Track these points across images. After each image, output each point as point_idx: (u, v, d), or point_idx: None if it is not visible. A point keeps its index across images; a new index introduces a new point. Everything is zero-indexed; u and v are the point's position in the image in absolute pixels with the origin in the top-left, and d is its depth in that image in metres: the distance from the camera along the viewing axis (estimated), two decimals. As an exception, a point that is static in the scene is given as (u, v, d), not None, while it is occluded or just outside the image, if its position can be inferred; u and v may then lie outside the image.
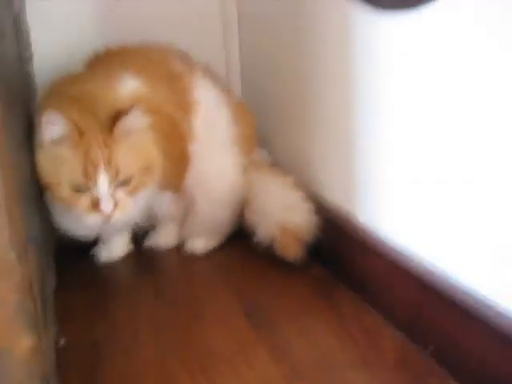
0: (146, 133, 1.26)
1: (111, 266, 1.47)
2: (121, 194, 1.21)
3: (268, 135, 1.65)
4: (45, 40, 1.64)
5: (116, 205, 1.20)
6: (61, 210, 1.25)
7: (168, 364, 1.03)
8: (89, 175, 1.17)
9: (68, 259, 1.45)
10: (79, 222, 1.22)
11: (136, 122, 1.21)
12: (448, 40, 0.92)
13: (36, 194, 1.18)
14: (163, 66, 1.45)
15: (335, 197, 1.34)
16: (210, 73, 1.51)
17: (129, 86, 1.33)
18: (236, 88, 1.85)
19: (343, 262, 1.27)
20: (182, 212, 1.48)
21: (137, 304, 1.26)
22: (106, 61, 1.43)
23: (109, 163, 1.18)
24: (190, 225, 1.48)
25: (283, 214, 1.35)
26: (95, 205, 1.18)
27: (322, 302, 1.22)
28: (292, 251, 1.32)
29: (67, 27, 1.67)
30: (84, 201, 1.19)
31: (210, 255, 1.46)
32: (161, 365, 1.03)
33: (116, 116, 1.19)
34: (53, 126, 1.16)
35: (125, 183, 1.21)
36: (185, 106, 1.43)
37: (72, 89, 1.30)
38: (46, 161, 1.19)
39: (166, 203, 1.42)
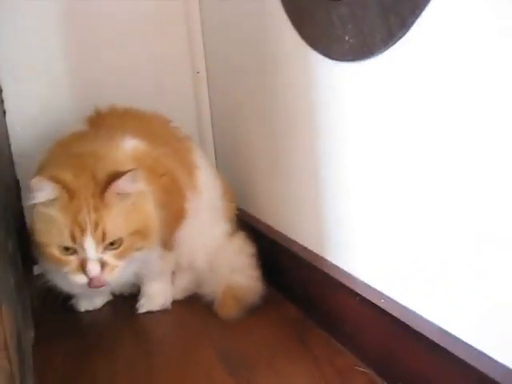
0: (143, 195, 1.28)
1: (90, 315, 1.49)
2: (110, 256, 1.22)
3: (241, 183, 1.71)
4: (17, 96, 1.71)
5: (103, 267, 1.21)
6: (52, 267, 1.26)
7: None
8: (76, 238, 1.18)
9: (46, 310, 1.46)
10: (69, 281, 1.23)
11: (130, 185, 1.22)
12: (392, 87, 0.99)
13: (10, 252, 1.20)
14: (165, 129, 1.56)
15: (307, 239, 1.38)
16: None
17: (131, 144, 1.37)
18: (208, 141, 1.94)
19: (316, 303, 1.31)
20: (171, 268, 1.50)
21: (116, 354, 1.28)
22: (109, 120, 1.48)
23: (96, 227, 1.18)
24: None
25: (229, 276, 1.43)
26: (82, 266, 1.20)
27: (297, 344, 1.25)
28: (228, 310, 1.37)
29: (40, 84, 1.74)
30: (72, 262, 1.20)
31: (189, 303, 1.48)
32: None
33: (110, 178, 1.20)
34: (42, 192, 1.19)
35: (114, 246, 1.22)
36: (186, 165, 1.50)
37: (75, 146, 1.35)
38: (38, 221, 1.22)
39: (155, 260, 1.39)
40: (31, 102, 1.74)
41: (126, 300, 1.50)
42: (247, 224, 1.63)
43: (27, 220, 1.69)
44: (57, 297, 1.40)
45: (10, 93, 1.70)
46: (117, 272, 1.23)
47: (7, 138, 1.65)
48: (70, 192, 1.19)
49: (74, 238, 1.18)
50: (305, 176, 1.34)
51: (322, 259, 1.31)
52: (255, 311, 1.38)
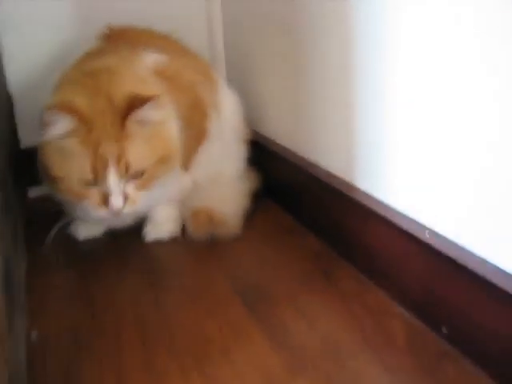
0: (167, 118, 1.19)
1: (90, 244, 1.35)
2: (132, 187, 1.15)
3: (253, 101, 1.55)
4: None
5: (126, 199, 1.14)
6: (68, 200, 1.19)
7: (157, 357, 0.92)
8: (97, 171, 1.11)
9: (41, 238, 1.31)
10: (89, 214, 1.17)
11: (152, 113, 1.13)
12: None
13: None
14: (182, 46, 1.45)
15: (333, 163, 1.23)
16: None
17: (153, 57, 1.28)
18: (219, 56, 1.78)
19: (343, 235, 1.17)
20: (184, 190, 1.36)
21: (119, 288, 1.15)
22: (127, 36, 1.38)
23: (119, 159, 1.11)
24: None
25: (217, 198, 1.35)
26: (104, 200, 1.13)
27: (321, 279, 1.12)
28: (197, 227, 1.30)
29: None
30: (93, 195, 1.14)
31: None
32: (149, 359, 0.92)
33: (131, 105, 1.11)
34: (56, 125, 1.09)
35: (136, 177, 1.14)
36: (208, 80, 1.39)
37: (90, 64, 1.24)
38: (53, 155, 1.13)
39: (171, 182, 1.26)
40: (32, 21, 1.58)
41: (129, 228, 1.34)
42: (259, 145, 1.50)
43: (22, 140, 1.60)
44: (53, 223, 1.29)
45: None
46: (138, 203, 1.16)
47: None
48: (87, 123, 1.10)
49: (96, 172, 1.11)
50: (334, 91, 1.17)
51: (352, 186, 1.16)
52: (274, 242, 1.28)
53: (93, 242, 1.35)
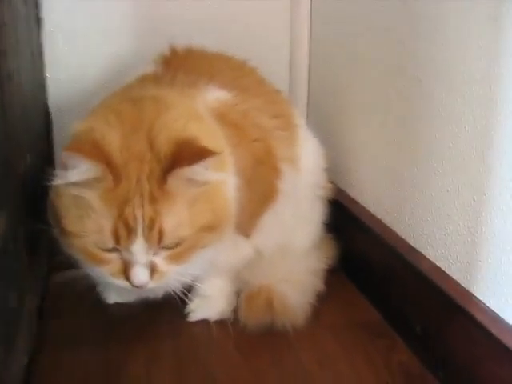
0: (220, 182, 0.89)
1: (119, 311, 1.08)
2: (161, 259, 0.87)
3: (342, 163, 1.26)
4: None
5: (153, 272, 0.87)
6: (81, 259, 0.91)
7: None
8: (119, 238, 0.83)
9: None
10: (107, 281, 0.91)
11: (205, 174, 0.85)
12: None
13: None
14: (262, 79, 1.16)
15: (448, 260, 0.93)
16: None
17: (216, 95, 1.01)
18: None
19: (454, 361, 0.86)
20: (242, 261, 1.07)
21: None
22: (191, 62, 1.10)
23: (151, 225, 0.83)
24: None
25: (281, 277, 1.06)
26: (125, 269, 0.86)
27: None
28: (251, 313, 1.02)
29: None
30: (112, 263, 0.87)
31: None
32: None
33: (179, 157, 0.82)
34: (77, 170, 0.81)
35: (170, 247, 0.86)
36: (287, 127, 1.10)
37: (135, 91, 0.98)
38: (67, 204, 0.86)
39: (224, 250, 0.97)
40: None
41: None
42: (340, 206, 1.22)
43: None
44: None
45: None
46: (169, 277, 0.89)
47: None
48: (116, 171, 0.82)
49: (117, 239, 0.83)
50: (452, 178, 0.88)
51: (471, 297, 0.86)
52: (350, 346, 0.99)
53: (122, 310, 1.07)
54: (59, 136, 1.35)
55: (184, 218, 0.85)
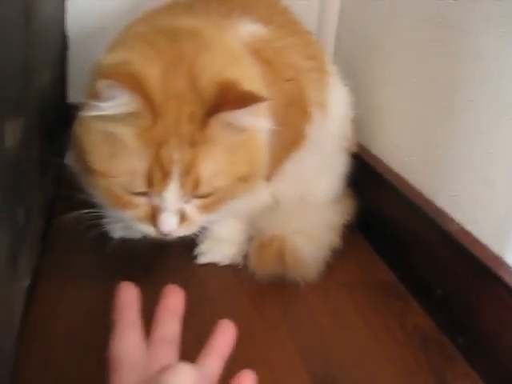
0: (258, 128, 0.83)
1: (124, 247, 1.02)
2: (192, 208, 0.82)
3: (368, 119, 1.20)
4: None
5: (182, 220, 0.82)
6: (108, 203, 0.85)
7: None
8: (153, 181, 0.77)
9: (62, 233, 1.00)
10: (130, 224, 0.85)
11: (248, 120, 0.80)
12: None
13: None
14: (289, 17, 1.08)
15: (479, 225, 0.88)
16: None
17: (251, 29, 0.94)
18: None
19: (477, 325, 0.83)
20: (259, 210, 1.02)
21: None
22: None
23: (187, 170, 0.77)
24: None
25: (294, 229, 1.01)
26: (153, 215, 0.81)
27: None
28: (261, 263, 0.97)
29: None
30: (139, 207, 0.81)
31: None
32: None
33: (223, 100, 0.76)
34: (113, 102, 0.74)
35: (203, 196, 0.82)
36: (319, 71, 1.04)
37: (169, 20, 0.90)
38: (97, 140, 0.79)
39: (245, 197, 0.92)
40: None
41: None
42: (362, 163, 1.15)
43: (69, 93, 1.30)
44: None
45: None
46: (197, 226, 0.84)
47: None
48: (155, 108, 0.76)
49: (150, 182, 0.77)
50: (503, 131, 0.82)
51: (502, 262, 0.82)
52: (364, 302, 0.96)
53: (127, 246, 1.02)
54: (73, 61, 1.29)
55: (222, 166, 0.80)
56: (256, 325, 0.88)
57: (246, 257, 1.00)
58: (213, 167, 0.79)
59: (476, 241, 0.87)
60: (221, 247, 1.00)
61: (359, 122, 1.17)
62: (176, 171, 0.76)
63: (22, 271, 0.76)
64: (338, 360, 0.82)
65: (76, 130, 0.81)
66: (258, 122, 0.81)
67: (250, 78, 0.84)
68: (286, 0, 1.11)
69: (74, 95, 1.30)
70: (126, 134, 0.76)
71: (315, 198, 1.08)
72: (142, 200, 0.80)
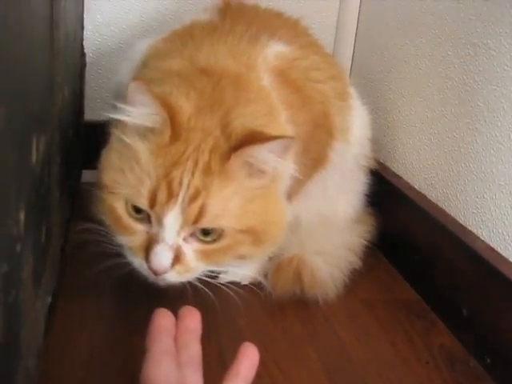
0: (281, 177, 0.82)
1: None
2: (190, 250, 0.77)
3: (386, 136, 1.20)
4: None
5: (176, 261, 0.76)
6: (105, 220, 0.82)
7: None
8: (155, 203, 0.74)
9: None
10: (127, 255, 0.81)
11: (274, 157, 0.76)
12: None
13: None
14: (312, 39, 1.08)
15: (509, 249, 0.86)
16: None
17: (276, 49, 0.94)
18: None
19: (504, 346, 0.81)
20: None
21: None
22: (246, 16, 1.00)
23: (194, 197, 0.74)
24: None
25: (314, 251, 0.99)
26: (148, 246, 0.76)
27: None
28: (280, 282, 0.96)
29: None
30: (137, 234, 0.77)
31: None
32: None
33: (248, 138, 0.74)
34: (137, 108, 0.74)
35: (205, 237, 0.77)
36: (342, 93, 1.03)
37: (202, 51, 0.89)
38: (113, 153, 0.79)
39: None
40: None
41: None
42: (382, 180, 1.15)
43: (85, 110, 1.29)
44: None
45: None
46: (189, 276, 0.80)
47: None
48: (177, 128, 0.75)
49: (153, 201, 0.74)
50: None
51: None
52: (386, 323, 0.94)
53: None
54: (90, 79, 1.29)
55: (233, 207, 0.76)
56: (279, 344, 0.86)
57: (265, 276, 0.99)
58: (222, 203, 0.75)
59: (502, 258, 0.86)
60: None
61: (379, 140, 1.16)
62: (182, 195, 0.73)
63: (44, 289, 0.75)
64: (363, 379, 0.80)
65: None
66: (281, 163, 0.77)
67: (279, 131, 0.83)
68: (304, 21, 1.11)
69: (90, 112, 1.30)
70: (142, 148, 0.75)
71: (335, 217, 1.06)
72: (140, 227, 0.77)
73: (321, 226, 1.04)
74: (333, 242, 1.03)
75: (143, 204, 0.74)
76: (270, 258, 1.00)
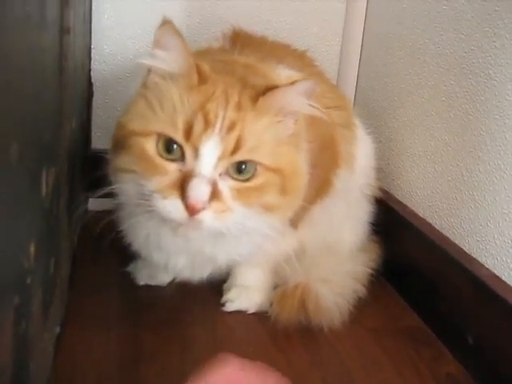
0: (301, 136, 0.84)
1: (149, 295, 1.02)
2: (226, 187, 0.76)
3: (391, 165, 1.21)
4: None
5: (212, 198, 0.74)
6: (128, 178, 0.79)
7: None
8: (192, 133, 0.74)
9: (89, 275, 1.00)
10: (154, 206, 0.76)
11: (300, 100, 0.78)
12: None
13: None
14: (322, 72, 1.12)
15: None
16: None
17: (288, 74, 0.95)
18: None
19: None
20: (285, 254, 0.97)
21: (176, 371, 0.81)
22: (254, 45, 1.03)
23: (230, 127, 0.75)
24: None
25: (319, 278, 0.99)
26: (182, 185, 0.74)
27: None
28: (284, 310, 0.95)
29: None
30: (169, 173, 0.75)
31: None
32: None
33: (269, 88, 0.78)
34: (165, 53, 0.77)
35: (240, 175, 0.77)
36: (347, 123, 1.05)
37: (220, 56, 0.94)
38: (142, 101, 0.79)
39: (271, 236, 0.87)
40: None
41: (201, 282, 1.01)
42: (387, 209, 1.15)
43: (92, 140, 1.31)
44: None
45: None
46: (225, 219, 0.76)
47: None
48: (202, 74, 0.78)
49: (188, 132, 0.74)
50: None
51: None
52: (393, 352, 0.93)
53: (153, 294, 1.02)
54: (97, 108, 1.31)
55: (265, 142, 0.77)
56: (285, 372, 0.85)
57: (271, 304, 0.99)
58: (256, 136, 0.76)
59: (507, 286, 0.86)
60: (248, 295, 1.00)
61: (383, 168, 1.17)
62: (219, 125, 0.74)
63: (52, 320, 0.75)
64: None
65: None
66: (306, 105, 0.79)
67: None
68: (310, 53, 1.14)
69: (96, 141, 1.32)
70: (173, 87, 0.76)
71: (340, 246, 1.07)
72: (173, 166, 0.75)
73: (326, 254, 1.04)
74: (338, 271, 1.03)
75: (179, 136, 0.74)
76: (276, 287, 1.00)
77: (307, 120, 0.88)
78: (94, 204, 1.28)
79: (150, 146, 0.75)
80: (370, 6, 1.35)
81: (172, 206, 0.74)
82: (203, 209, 0.73)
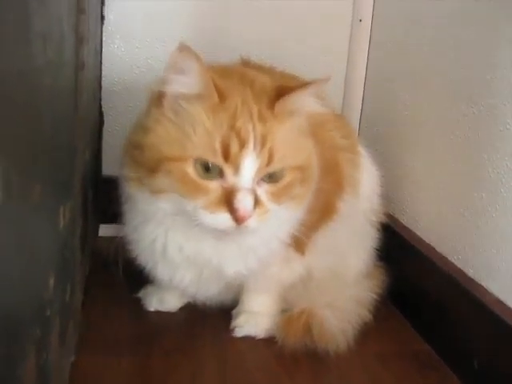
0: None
1: (159, 320, 1.04)
2: (263, 192, 0.83)
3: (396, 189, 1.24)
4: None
5: (256, 204, 0.81)
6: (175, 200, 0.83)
7: None
8: (230, 153, 0.79)
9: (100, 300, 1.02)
10: (200, 222, 0.82)
11: (311, 101, 0.86)
12: None
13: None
14: (328, 101, 1.12)
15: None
16: None
17: None
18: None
19: None
20: (292, 279, 1.02)
21: None
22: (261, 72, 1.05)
23: (263, 142, 0.80)
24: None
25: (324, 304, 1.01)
26: (227, 199, 0.80)
27: None
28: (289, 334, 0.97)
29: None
30: (213, 190, 0.80)
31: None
32: None
33: (280, 90, 0.83)
34: (182, 77, 0.79)
35: (272, 179, 0.83)
36: (352, 151, 1.09)
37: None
38: (169, 126, 0.81)
39: (278, 264, 0.97)
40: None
41: (211, 307, 1.04)
42: (392, 233, 1.17)
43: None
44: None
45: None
46: (266, 219, 0.83)
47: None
48: (220, 90, 0.81)
49: (226, 152, 0.79)
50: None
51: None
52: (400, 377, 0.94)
53: (163, 319, 1.04)
54: (108, 136, 1.34)
55: (290, 145, 0.84)
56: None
57: (277, 329, 1.01)
58: (283, 143, 0.82)
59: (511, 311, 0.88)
60: (257, 320, 1.02)
61: (388, 193, 1.19)
62: (252, 141, 0.79)
63: (68, 348, 0.77)
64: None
65: (147, 122, 0.83)
66: (318, 104, 0.86)
67: None
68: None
69: (107, 168, 1.34)
70: (198, 109, 0.79)
71: (346, 271, 1.09)
72: (213, 184, 0.80)
73: (331, 279, 1.06)
74: (343, 297, 1.05)
75: (218, 159, 0.79)
76: (281, 312, 1.02)
77: (313, 142, 0.91)
78: (104, 230, 1.31)
79: (191, 170, 0.80)
80: (374, 33, 1.38)
81: (221, 220, 0.80)
82: (250, 217, 0.80)
